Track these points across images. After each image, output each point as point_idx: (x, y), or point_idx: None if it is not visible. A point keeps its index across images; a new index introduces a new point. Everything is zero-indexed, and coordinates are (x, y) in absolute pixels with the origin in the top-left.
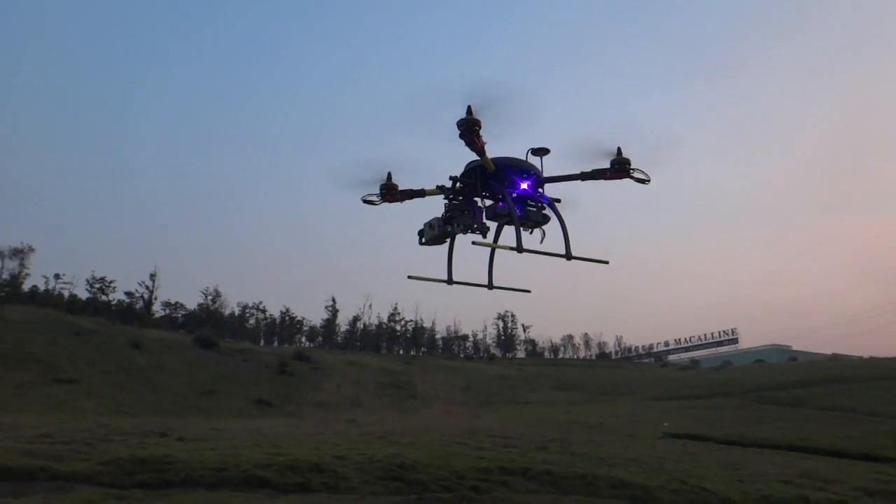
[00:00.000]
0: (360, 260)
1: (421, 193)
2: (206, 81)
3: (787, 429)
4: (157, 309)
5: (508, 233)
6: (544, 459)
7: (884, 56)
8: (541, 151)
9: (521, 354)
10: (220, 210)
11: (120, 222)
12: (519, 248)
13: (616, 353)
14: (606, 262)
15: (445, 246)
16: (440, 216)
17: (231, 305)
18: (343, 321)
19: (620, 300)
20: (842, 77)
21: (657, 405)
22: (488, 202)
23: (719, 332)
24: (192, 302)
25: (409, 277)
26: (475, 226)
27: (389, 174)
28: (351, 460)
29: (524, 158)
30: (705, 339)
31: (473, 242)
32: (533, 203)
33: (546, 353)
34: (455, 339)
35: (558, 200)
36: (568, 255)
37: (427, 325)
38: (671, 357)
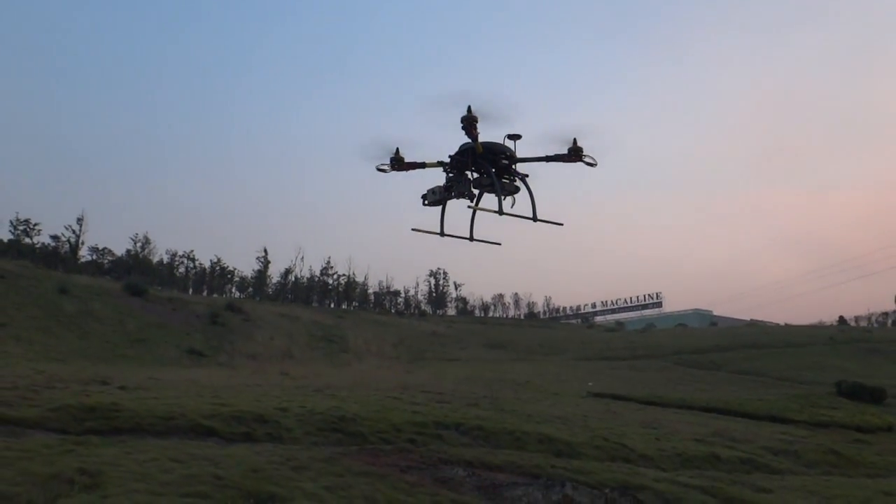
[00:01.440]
0: (294, 213)
1: (423, 165)
2: (147, 14)
3: (703, 391)
4: (84, 254)
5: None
6: (476, 415)
7: (813, 38)
8: (514, 137)
9: (451, 312)
10: (151, 154)
11: (46, 163)
12: (500, 212)
13: (545, 313)
14: (561, 224)
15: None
16: (441, 185)
17: (160, 253)
18: (274, 273)
19: (551, 261)
20: (773, 55)
21: (583, 365)
22: (475, 175)
23: (645, 296)
24: (119, 248)
25: (413, 230)
26: (466, 193)
27: (398, 149)
28: (292, 412)
29: (502, 142)
30: (631, 301)
31: (469, 206)
32: (507, 177)
33: (476, 312)
34: (387, 295)
35: (527, 175)
36: (534, 218)
37: (360, 279)
38: (598, 318)
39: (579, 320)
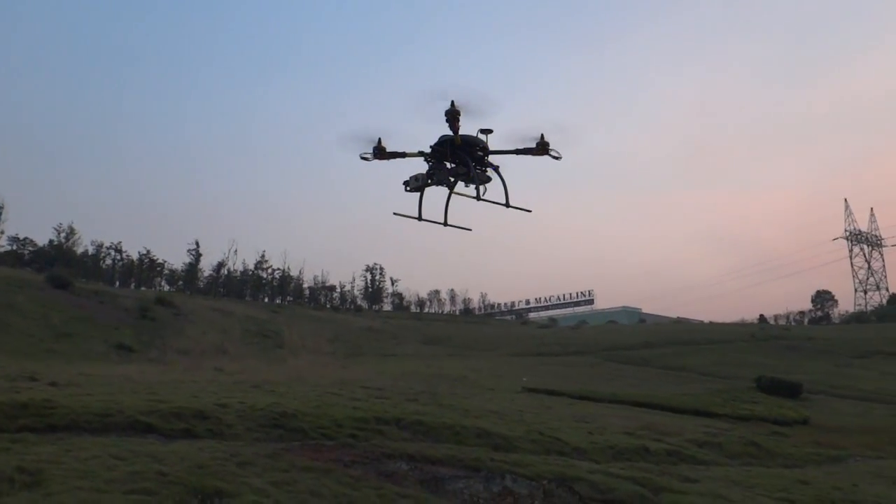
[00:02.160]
0: (229, 205)
1: (403, 155)
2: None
3: (633, 386)
4: (3, 243)
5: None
6: (415, 410)
7: (738, 46)
8: (486, 131)
9: (387, 307)
10: (77, 140)
11: None
12: (477, 197)
13: (480, 309)
14: (530, 211)
15: None
16: (423, 172)
17: (85, 244)
18: (206, 266)
19: (487, 258)
20: (700, 61)
21: (517, 361)
22: (451, 165)
23: (577, 293)
24: (42, 238)
25: (395, 214)
26: (444, 181)
27: (380, 139)
28: (232, 408)
29: (476, 135)
30: (563, 298)
31: (456, 193)
32: (480, 168)
33: (413, 307)
34: (322, 290)
35: (499, 166)
36: (507, 204)
37: (295, 274)
38: (531, 315)
39: (514, 317)
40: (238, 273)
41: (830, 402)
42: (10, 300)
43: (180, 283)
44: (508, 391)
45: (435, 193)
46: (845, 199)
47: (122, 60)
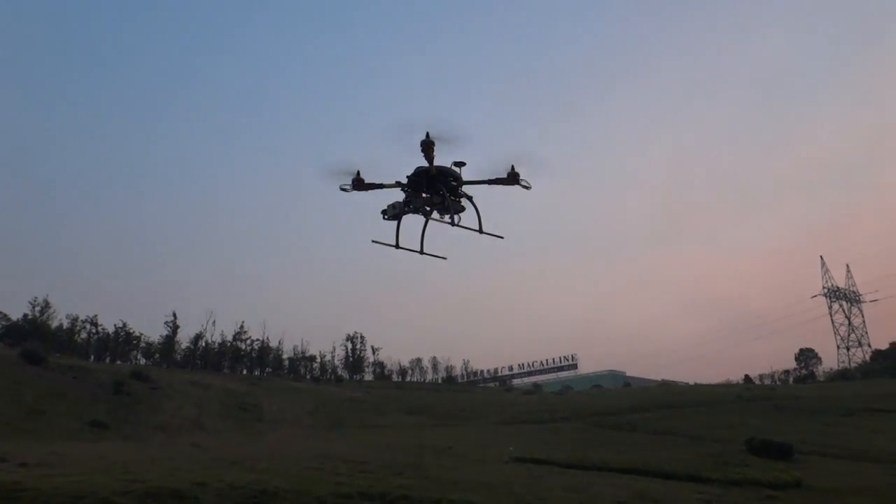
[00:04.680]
0: (207, 276)
1: (381, 186)
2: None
3: (622, 452)
4: None
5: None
6: (400, 484)
7: (719, 110)
8: (460, 164)
9: (369, 377)
10: (52, 213)
11: None
12: (452, 223)
13: (463, 376)
14: (502, 238)
15: None
16: (400, 201)
17: (60, 318)
18: (184, 338)
19: (468, 325)
20: (680, 124)
21: (502, 429)
22: (426, 195)
23: (560, 358)
24: (16, 312)
25: (373, 241)
26: (420, 209)
27: (358, 171)
28: (211, 487)
29: (450, 167)
30: (547, 364)
31: (433, 219)
32: (454, 197)
33: (394, 376)
34: (302, 360)
35: (472, 196)
36: (480, 230)
37: (274, 344)
38: (515, 381)
39: (497, 383)
40: (216, 345)
41: (822, 463)
42: None
43: (157, 355)
44: (495, 461)
45: (413, 225)
46: (821, 257)
47: (101, 125)
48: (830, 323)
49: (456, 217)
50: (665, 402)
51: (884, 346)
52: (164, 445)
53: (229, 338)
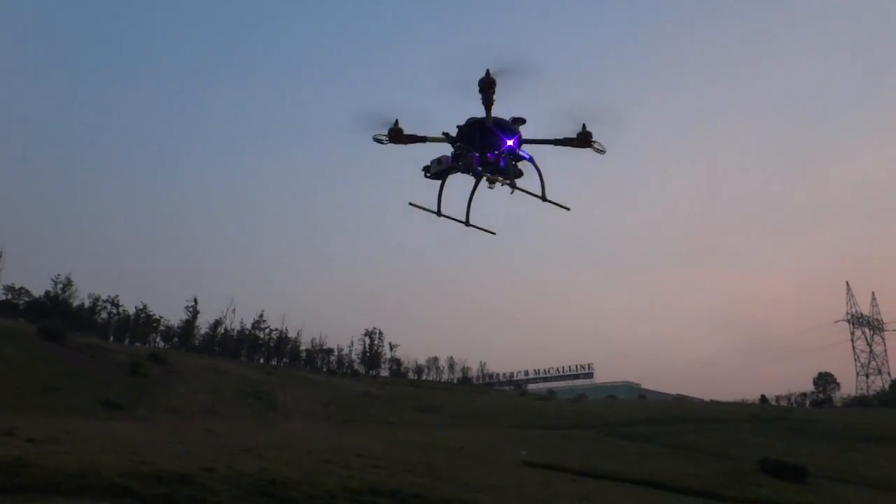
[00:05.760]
0: (231, 263)
1: (424, 139)
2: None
3: (635, 463)
4: None
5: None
6: (412, 482)
7: (747, 132)
8: (519, 120)
9: (385, 373)
10: (79, 191)
11: None
12: (513, 187)
13: (478, 378)
14: (568, 209)
15: None
16: (448, 154)
17: (82, 297)
18: (203, 324)
19: (487, 327)
20: (707, 141)
21: (515, 433)
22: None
23: (577, 366)
24: (38, 289)
25: (411, 204)
26: (472, 169)
27: (397, 120)
28: (218, 473)
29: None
30: (563, 371)
31: (490, 181)
32: (513, 158)
33: (410, 374)
34: (319, 353)
35: (532, 156)
36: (543, 197)
37: (292, 335)
38: (530, 386)
39: (512, 387)
40: (235, 332)
41: (836, 489)
42: None
43: (175, 339)
44: (507, 464)
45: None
46: (847, 283)
47: (118, 114)
48: (851, 349)
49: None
50: (680, 416)
51: None
52: (175, 429)
53: (248, 326)
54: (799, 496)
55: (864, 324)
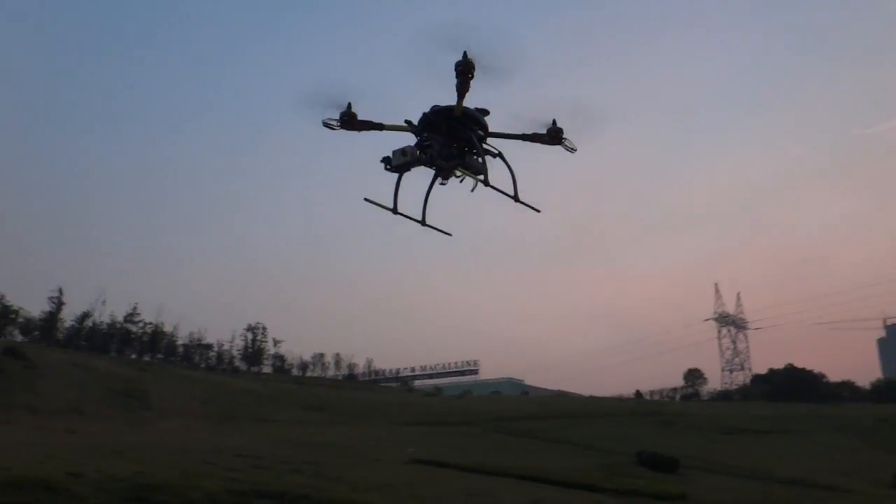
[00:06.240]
0: (99, 253)
1: (381, 127)
2: None
3: (521, 458)
4: None
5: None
6: (299, 483)
7: (621, 136)
8: (483, 111)
9: (267, 370)
10: None
11: None
12: (486, 182)
13: (365, 375)
14: (539, 211)
15: None
16: (412, 145)
17: None
18: (69, 316)
19: (374, 323)
20: (588, 146)
21: (403, 430)
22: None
23: (462, 363)
24: None
25: (366, 200)
26: (436, 161)
27: (350, 104)
28: (87, 478)
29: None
30: (449, 367)
31: (456, 176)
32: (476, 153)
33: (294, 371)
34: (198, 348)
35: (500, 153)
36: (515, 198)
37: (169, 329)
38: (416, 383)
39: (399, 384)
40: (105, 325)
41: (705, 478)
42: None
43: (36, 333)
44: (396, 462)
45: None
46: (716, 284)
47: None
48: (718, 346)
49: (473, 180)
50: (561, 411)
51: (763, 370)
52: (37, 429)
53: (120, 319)
54: (672, 486)
55: (730, 322)
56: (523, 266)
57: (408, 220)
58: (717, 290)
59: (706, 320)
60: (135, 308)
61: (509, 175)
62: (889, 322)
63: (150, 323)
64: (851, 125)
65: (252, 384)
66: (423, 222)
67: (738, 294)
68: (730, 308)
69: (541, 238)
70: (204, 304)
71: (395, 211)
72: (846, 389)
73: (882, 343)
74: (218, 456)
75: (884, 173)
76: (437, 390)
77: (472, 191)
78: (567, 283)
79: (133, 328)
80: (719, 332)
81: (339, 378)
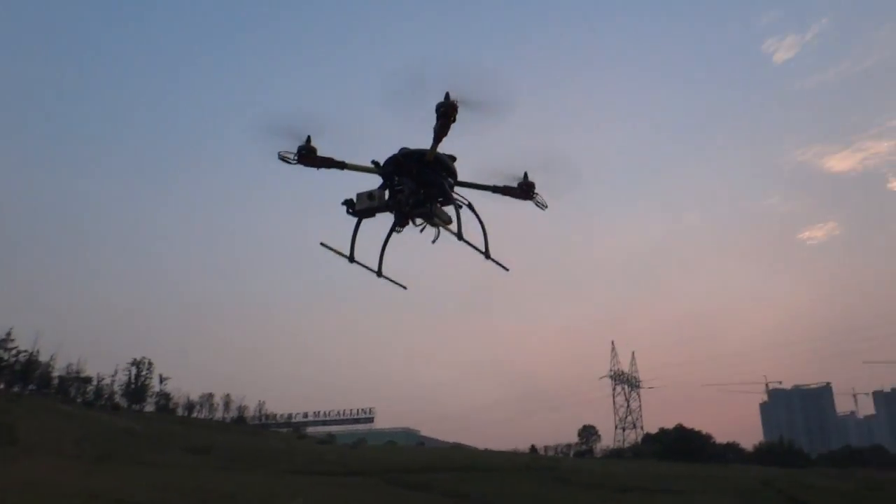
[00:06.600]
0: None
1: (342, 165)
2: None
3: None
4: None
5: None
6: None
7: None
8: (450, 157)
9: (150, 408)
10: None
11: None
12: (459, 235)
13: (256, 418)
14: (507, 269)
15: None
16: (378, 188)
17: None
18: None
19: (268, 364)
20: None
21: (292, 478)
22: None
23: (357, 410)
24: None
25: (322, 245)
26: (402, 208)
27: (309, 137)
28: None
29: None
30: (343, 414)
31: (416, 224)
32: (441, 202)
33: (179, 410)
34: (75, 381)
35: (470, 203)
36: (486, 255)
37: (45, 359)
38: (309, 429)
39: (290, 429)
40: None
41: None
42: None
43: None
44: None
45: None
46: (612, 342)
47: None
48: (612, 404)
49: (434, 231)
50: (458, 464)
51: (654, 429)
52: None
53: None
54: None
55: (624, 381)
56: (424, 315)
57: (364, 269)
58: (613, 348)
59: (602, 378)
60: (8, 333)
61: (480, 228)
62: (771, 387)
63: (25, 351)
64: (739, 199)
65: (133, 423)
66: (379, 273)
67: (633, 353)
68: (625, 366)
69: (445, 289)
70: (87, 333)
71: (351, 259)
72: (731, 451)
73: (764, 406)
74: (91, 500)
75: (769, 245)
76: (331, 437)
77: (434, 242)
78: (470, 334)
79: (4, 355)
80: (614, 389)
81: (228, 420)
